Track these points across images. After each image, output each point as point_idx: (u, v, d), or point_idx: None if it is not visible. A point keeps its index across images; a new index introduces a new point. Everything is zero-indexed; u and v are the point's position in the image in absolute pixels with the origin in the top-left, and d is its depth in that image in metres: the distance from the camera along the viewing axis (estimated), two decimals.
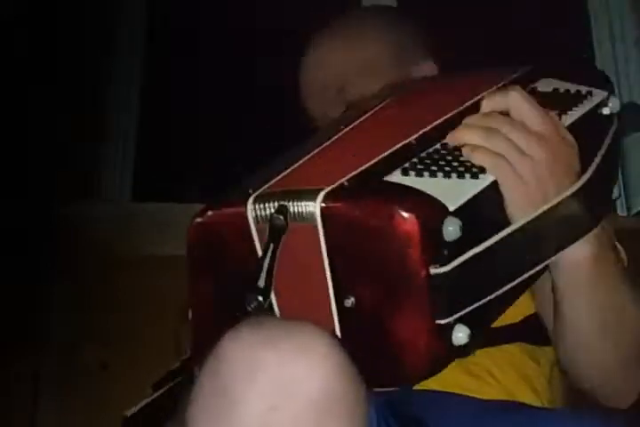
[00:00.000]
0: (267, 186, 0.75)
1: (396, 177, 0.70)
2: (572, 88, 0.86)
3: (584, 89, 0.86)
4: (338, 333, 0.70)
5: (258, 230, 0.72)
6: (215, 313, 0.77)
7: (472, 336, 0.67)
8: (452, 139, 0.73)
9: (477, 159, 0.71)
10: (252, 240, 0.73)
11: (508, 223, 0.72)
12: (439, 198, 0.66)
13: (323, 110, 1.13)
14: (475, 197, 0.69)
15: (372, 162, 0.72)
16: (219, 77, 1.88)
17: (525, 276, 0.73)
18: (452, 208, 0.65)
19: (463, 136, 0.73)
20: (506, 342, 0.97)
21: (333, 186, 0.69)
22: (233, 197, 0.76)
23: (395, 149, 0.74)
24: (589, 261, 0.79)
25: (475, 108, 0.79)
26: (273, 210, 0.71)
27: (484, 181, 0.71)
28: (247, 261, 0.73)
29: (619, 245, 0.93)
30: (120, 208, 1.83)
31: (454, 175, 0.70)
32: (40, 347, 1.64)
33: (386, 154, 0.73)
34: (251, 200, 0.73)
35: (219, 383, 0.62)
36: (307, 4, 1.20)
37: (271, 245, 0.70)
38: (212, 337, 0.66)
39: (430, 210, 0.65)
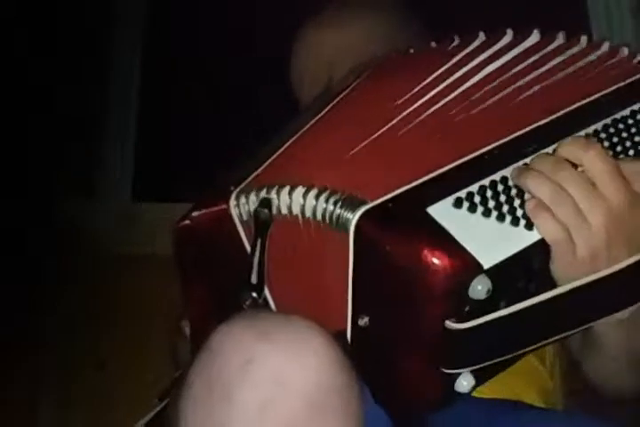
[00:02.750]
0: (247, 180, 0.72)
1: (444, 208, 0.63)
2: None
3: None
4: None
5: (244, 226, 0.70)
6: (213, 314, 0.74)
7: (475, 386, 0.64)
8: (518, 180, 0.66)
9: (538, 222, 0.64)
10: (240, 237, 0.70)
11: (544, 284, 0.65)
12: (481, 247, 0.60)
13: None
14: (519, 252, 0.62)
15: (430, 177, 0.65)
16: (219, 77, 1.88)
17: (550, 340, 0.67)
18: (487, 266, 0.60)
19: (530, 185, 0.66)
20: None
21: (377, 203, 0.63)
22: (213, 195, 0.73)
23: (460, 162, 0.66)
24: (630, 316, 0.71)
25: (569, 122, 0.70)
26: (256, 204, 0.68)
27: (534, 236, 0.64)
28: (238, 259, 0.70)
29: None
30: (120, 208, 1.83)
31: (508, 219, 0.63)
32: (40, 347, 1.64)
33: (448, 168, 0.65)
34: (233, 196, 0.70)
35: (211, 376, 0.60)
36: (313, 3, 1.18)
37: (259, 240, 0.68)
38: None
39: (462, 267, 0.59)
